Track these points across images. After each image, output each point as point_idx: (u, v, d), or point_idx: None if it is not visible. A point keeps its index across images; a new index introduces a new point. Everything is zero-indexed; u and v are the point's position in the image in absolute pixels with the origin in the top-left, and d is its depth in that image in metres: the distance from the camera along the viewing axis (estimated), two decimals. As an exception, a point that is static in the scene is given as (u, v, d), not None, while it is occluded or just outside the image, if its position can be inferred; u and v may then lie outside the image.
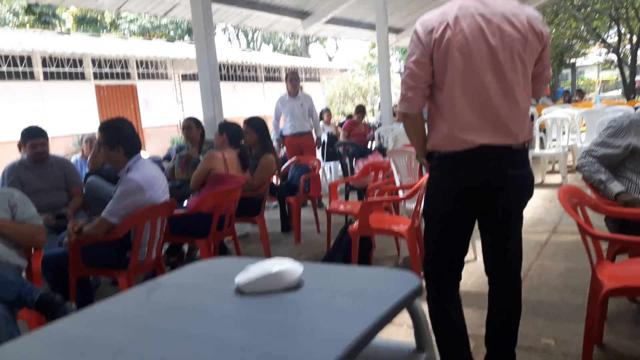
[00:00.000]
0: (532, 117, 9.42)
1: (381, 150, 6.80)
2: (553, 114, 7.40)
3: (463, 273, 2.09)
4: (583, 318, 2.24)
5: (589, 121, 6.96)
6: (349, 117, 10.14)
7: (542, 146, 7.13)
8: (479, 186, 1.89)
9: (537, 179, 6.94)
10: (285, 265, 1.31)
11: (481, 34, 1.80)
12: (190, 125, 4.79)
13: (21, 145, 4.31)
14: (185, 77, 15.39)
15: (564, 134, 6.88)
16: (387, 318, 1.11)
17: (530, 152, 6.81)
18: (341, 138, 8.12)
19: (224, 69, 15.93)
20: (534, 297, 3.07)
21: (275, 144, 6.32)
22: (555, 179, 7.00)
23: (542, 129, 7.56)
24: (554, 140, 7.05)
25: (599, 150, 2.65)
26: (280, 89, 19.00)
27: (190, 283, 1.46)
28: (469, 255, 3.64)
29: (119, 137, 3.03)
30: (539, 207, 5.44)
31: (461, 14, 1.81)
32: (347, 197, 5.79)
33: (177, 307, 1.29)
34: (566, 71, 28.14)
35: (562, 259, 3.73)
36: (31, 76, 11.79)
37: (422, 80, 1.88)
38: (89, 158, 4.51)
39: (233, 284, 1.31)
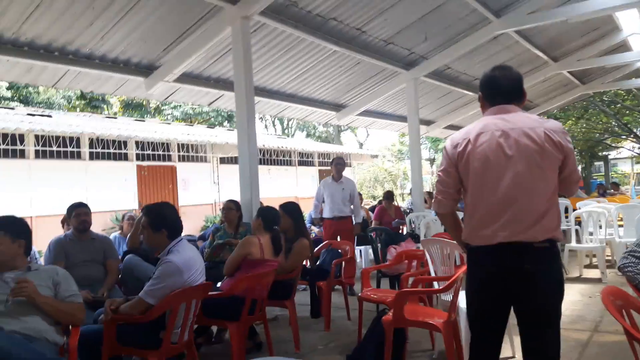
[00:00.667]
0: (567, 209, 9.30)
1: (413, 236, 6.77)
2: (589, 207, 7.32)
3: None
4: None
5: (627, 216, 6.84)
6: (380, 202, 10.22)
7: (578, 240, 6.98)
8: (500, 280, 2.09)
9: (575, 273, 6.74)
10: None
11: (499, 146, 2.09)
12: (231, 207, 4.94)
13: (65, 220, 4.52)
14: (222, 160, 15.97)
15: (601, 228, 6.75)
16: None
17: (567, 246, 6.69)
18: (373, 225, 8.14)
19: (260, 153, 16.48)
20: (578, 402, 2.91)
21: (308, 224, 6.38)
22: (594, 273, 6.77)
23: (578, 222, 7.44)
24: (591, 234, 6.92)
25: (641, 249, 2.61)
26: (312, 173, 19.45)
27: None
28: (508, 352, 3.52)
29: (163, 221, 3.17)
30: (578, 303, 5.24)
31: (483, 131, 2.14)
32: (378, 284, 5.72)
33: None
34: (599, 163, 27.97)
35: (606, 362, 3.55)
36: (78, 156, 12.45)
37: (449, 186, 2.24)
38: (128, 236, 4.66)
39: None
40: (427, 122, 12.10)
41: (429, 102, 10.62)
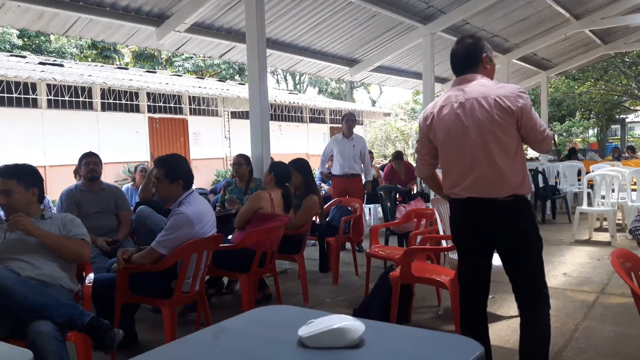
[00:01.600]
0: (580, 172, 9.20)
1: (423, 195, 6.77)
2: (602, 170, 7.23)
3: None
4: (635, 387, 2.14)
5: (640, 180, 6.76)
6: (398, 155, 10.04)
7: (589, 202, 6.94)
8: (472, 226, 2.41)
9: (584, 236, 6.74)
10: (347, 323, 1.32)
11: (457, 117, 2.34)
12: (241, 162, 4.94)
13: (77, 170, 4.54)
14: (234, 115, 15.89)
15: (614, 191, 6.69)
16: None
17: (578, 209, 6.65)
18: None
19: (271, 108, 16.36)
20: (581, 361, 2.95)
21: (318, 182, 6.36)
22: (603, 236, 6.76)
23: (590, 185, 7.38)
24: (603, 197, 6.86)
25: (653, 213, 2.60)
26: (324, 129, 19.33)
27: (254, 331, 1.48)
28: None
29: (179, 171, 3.19)
30: (586, 265, 5.26)
31: (444, 103, 2.40)
32: (387, 242, 5.76)
33: (243, 355, 1.32)
34: (615, 126, 27.50)
35: (611, 323, 3.58)
36: (90, 106, 12.45)
37: (424, 154, 2.56)
38: (140, 188, 4.70)
39: (295, 335, 1.33)
40: (443, 80, 11.85)
41: (445, 58, 10.24)
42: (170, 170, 3.17)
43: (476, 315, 2.49)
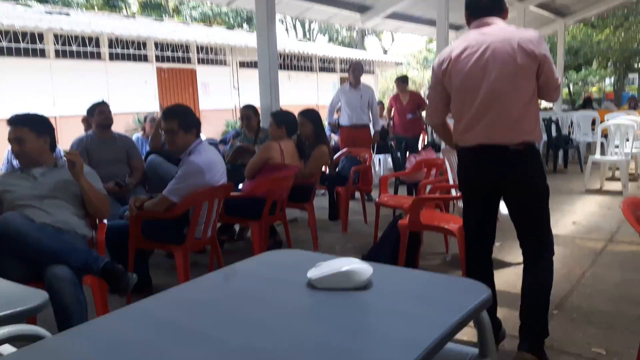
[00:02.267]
0: (594, 121, 9.05)
1: (433, 145, 6.72)
2: (617, 120, 7.09)
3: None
4: (638, 331, 2.17)
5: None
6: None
7: (602, 152, 6.86)
8: (480, 173, 2.38)
9: (596, 186, 6.70)
10: (355, 265, 1.34)
11: (476, 61, 2.27)
12: (250, 115, 4.91)
13: (85, 119, 4.53)
14: (242, 64, 15.67)
15: (628, 141, 6.59)
16: (458, 327, 1.11)
17: (590, 158, 6.59)
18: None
19: (280, 58, 16.09)
20: (587, 305, 3.00)
21: (328, 133, 6.30)
22: (615, 186, 6.72)
23: (604, 135, 7.26)
24: (617, 147, 6.77)
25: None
26: (334, 79, 19.05)
27: (265, 273, 1.51)
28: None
29: (193, 120, 3.19)
30: (596, 214, 5.26)
31: (463, 47, 2.32)
32: (396, 191, 5.78)
33: (253, 296, 1.34)
34: (633, 75, 26.75)
35: (618, 269, 3.62)
36: (98, 56, 12.34)
37: (437, 101, 2.49)
38: (150, 137, 4.71)
39: (304, 277, 1.35)
40: (457, 27, 11.49)
41: (461, 4, 9.92)
42: (184, 120, 3.17)
43: (482, 260, 2.51)
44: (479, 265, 2.52)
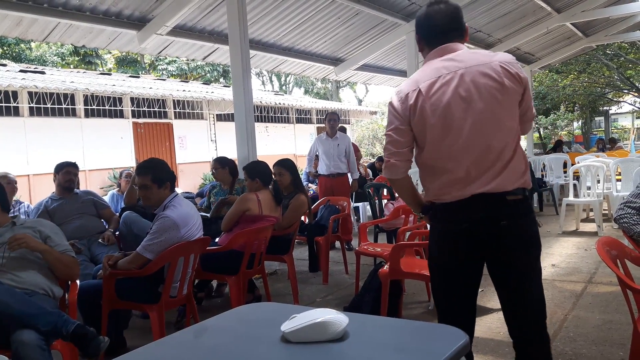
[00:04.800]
0: (565, 164, 9.31)
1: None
2: (588, 161, 7.30)
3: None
4: (624, 374, 2.15)
5: (625, 170, 6.84)
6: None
7: (575, 194, 6.99)
8: (473, 236, 1.89)
9: (572, 227, 6.79)
10: (331, 316, 1.30)
11: (454, 92, 1.85)
12: (216, 167, 4.92)
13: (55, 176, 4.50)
14: (219, 117, 15.82)
15: (599, 182, 6.76)
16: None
17: (565, 200, 6.72)
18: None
19: (257, 110, 16.31)
20: (571, 349, 2.97)
21: (305, 182, 6.33)
22: (590, 227, 6.83)
23: (576, 176, 7.44)
24: (589, 188, 6.93)
25: (638, 201, 2.60)
26: (311, 130, 19.31)
27: (237, 328, 1.46)
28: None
29: (165, 174, 3.15)
30: (574, 256, 5.30)
31: (433, 77, 1.88)
32: (376, 239, 5.75)
33: (225, 353, 1.30)
34: (599, 118, 27.83)
35: (599, 311, 3.61)
36: (73, 113, 12.31)
37: (403, 146, 1.96)
38: (125, 193, 4.65)
39: (278, 331, 1.31)
40: (427, 77, 11.89)
41: (429, 55, 10.39)
42: (157, 175, 3.13)
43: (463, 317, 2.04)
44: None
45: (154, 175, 3.12)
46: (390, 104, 1.98)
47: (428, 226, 4.14)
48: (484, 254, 1.93)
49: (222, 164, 4.93)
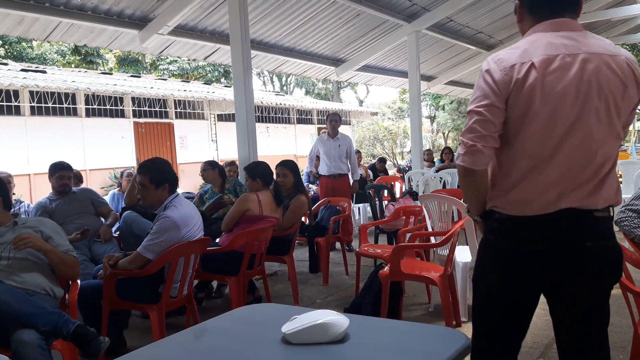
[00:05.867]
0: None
1: (411, 193, 6.77)
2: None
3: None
4: (625, 377, 2.14)
5: (626, 173, 6.83)
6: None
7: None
8: (546, 260, 1.53)
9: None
10: (331, 317, 1.30)
11: (572, 81, 1.48)
12: (205, 168, 4.92)
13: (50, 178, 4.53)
14: (220, 117, 15.84)
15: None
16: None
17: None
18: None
19: (258, 110, 16.34)
20: (571, 353, 2.96)
21: (305, 182, 6.32)
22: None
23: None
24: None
25: (639, 204, 2.60)
26: (312, 130, 19.33)
27: (237, 329, 1.46)
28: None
29: (164, 175, 3.14)
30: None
31: (550, 54, 1.50)
32: (376, 240, 5.75)
33: (225, 354, 1.30)
34: None
35: (600, 314, 3.60)
36: (74, 112, 12.32)
37: (494, 129, 1.53)
38: (126, 192, 4.65)
39: (278, 332, 1.31)
40: (428, 78, 11.90)
41: (431, 56, 10.42)
42: (155, 175, 3.13)
43: None
44: None
45: (152, 175, 3.12)
46: (488, 72, 1.53)
47: (429, 226, 4.16)
48: (554, 280, 1.56)
49: (212, 166, 4.95)
